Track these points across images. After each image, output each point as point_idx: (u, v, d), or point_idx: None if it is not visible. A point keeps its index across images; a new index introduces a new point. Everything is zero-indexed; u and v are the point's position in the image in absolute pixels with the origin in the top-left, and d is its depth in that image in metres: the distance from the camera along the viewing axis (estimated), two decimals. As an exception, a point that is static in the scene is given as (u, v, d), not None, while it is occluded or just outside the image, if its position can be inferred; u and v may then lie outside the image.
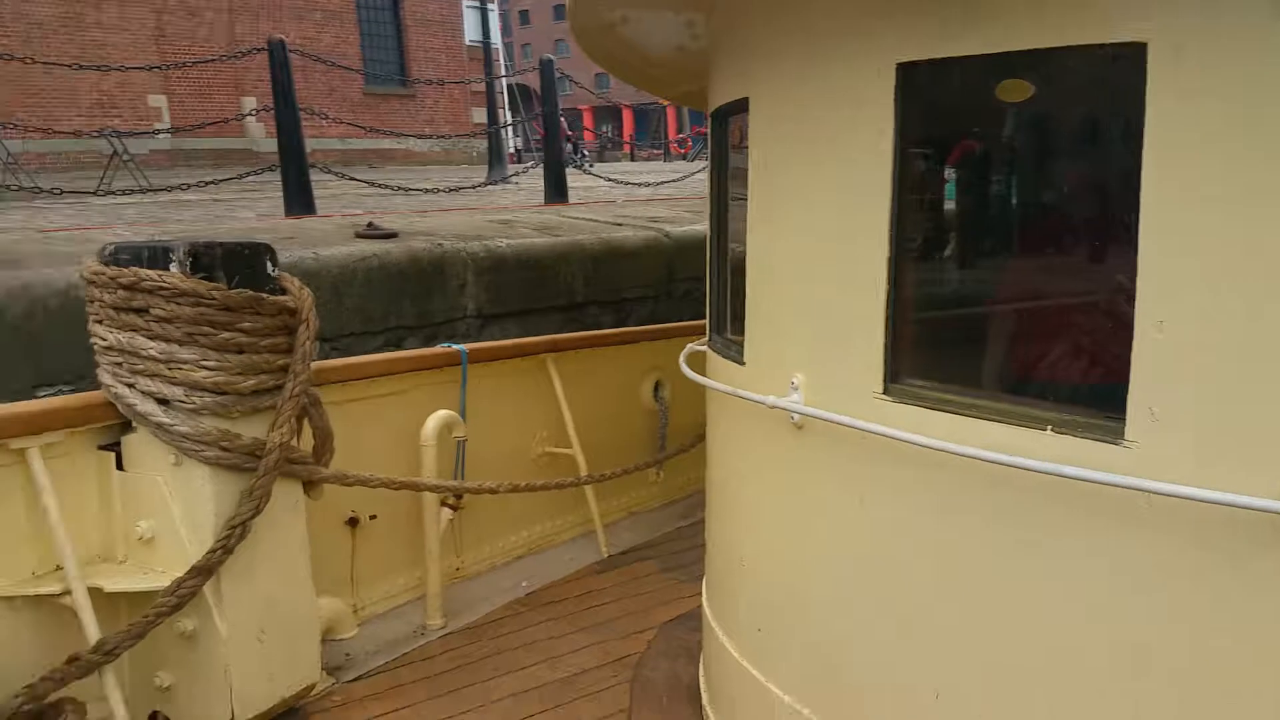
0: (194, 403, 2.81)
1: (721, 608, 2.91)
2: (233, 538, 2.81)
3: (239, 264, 2.91)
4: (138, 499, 2.91)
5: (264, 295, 2.91)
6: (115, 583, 2.80)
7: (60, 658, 2.65)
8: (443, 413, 3.98)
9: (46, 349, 4.01)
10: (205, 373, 2.80)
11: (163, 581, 2.78)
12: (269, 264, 3.03)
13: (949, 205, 2.19)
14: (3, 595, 2.68)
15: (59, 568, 2.77)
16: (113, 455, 2.94)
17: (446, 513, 4.07)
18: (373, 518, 3.95)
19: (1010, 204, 2.18)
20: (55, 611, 2.74)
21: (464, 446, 4.27)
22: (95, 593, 2.76)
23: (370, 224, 5.79)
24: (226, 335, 2.83)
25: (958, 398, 1.97)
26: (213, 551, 2.78)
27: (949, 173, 2.23)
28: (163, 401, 2.82)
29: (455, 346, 4.39)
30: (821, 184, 2.19)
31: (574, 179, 11.34)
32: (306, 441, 3.29)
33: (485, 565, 4.53)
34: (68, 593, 2.71)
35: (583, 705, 3.21)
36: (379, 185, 9.72)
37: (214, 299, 2.79)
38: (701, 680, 3.21)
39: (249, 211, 8.52)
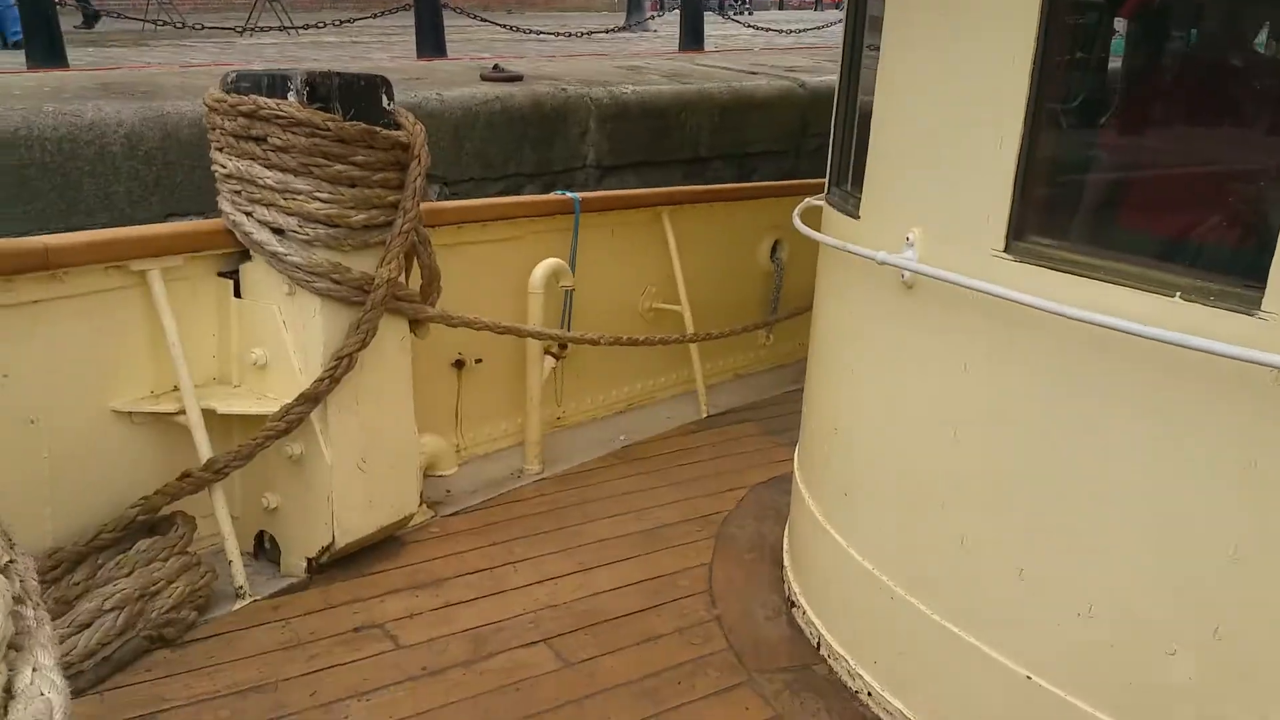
0: (307, 234, 2.83)
1: (810, 470, 2.85)
2: (339, 369, 2.87)
3: (355, 96, 2.86)
4: (253, 326, 2.99)
5: (378, 129, 2.86)
6: (228, 405, 2.92)
7: (174, 474, 2.81)
8: (551, 261, 3.93)
9: (179, 179, 4.13)
10: (318, 204, 2.81)
11: (273, 407, 2.88)
12: (384, 98, 2.97)
13: (1103, 56, 1.96)
14: (122, 411, 2.83)
15: (176, 388, 2.90)
16: (231, 283, 3.02)
17: (549, 361, 4.08)
18: (478, 361, 4.00)
19: (1178, 61, 1.93)
20: (171, 430, 2.88)
21: (571, 296, 4.24)
22: (209, 414, 2.89)
23: (495, 66, 5.66)
24: (340, 168, 2.81)
25: (1082, 258, 1.83)
26: (320, 380, 2.85)
27: (1118, 24, 2.00)
28: (278, 231, 2.85)
29: (569, 194, 4.30)
30: (962, 22, 2.00)
31: (714, 26, 10.84)
32: (415, 281, 3.32)
33: (585, 416, 4.57)
34: (183, 412, 2.85)
35: (665, 556, 3.25)
36: (513, 29, 9.50)
37: (329, 130, 2.76)
38: (785, 542, 3.19)
39: (383, 53, 8.48)
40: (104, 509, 2.75)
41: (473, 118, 4.98)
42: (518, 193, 5.20)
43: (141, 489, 2.79)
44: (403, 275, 3.15)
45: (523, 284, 3.86)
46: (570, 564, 3.17)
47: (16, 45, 7.26)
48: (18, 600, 1.05)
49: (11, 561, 1.10)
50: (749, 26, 11.67)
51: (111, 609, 2.46)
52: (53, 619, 2.40)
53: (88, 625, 2.41)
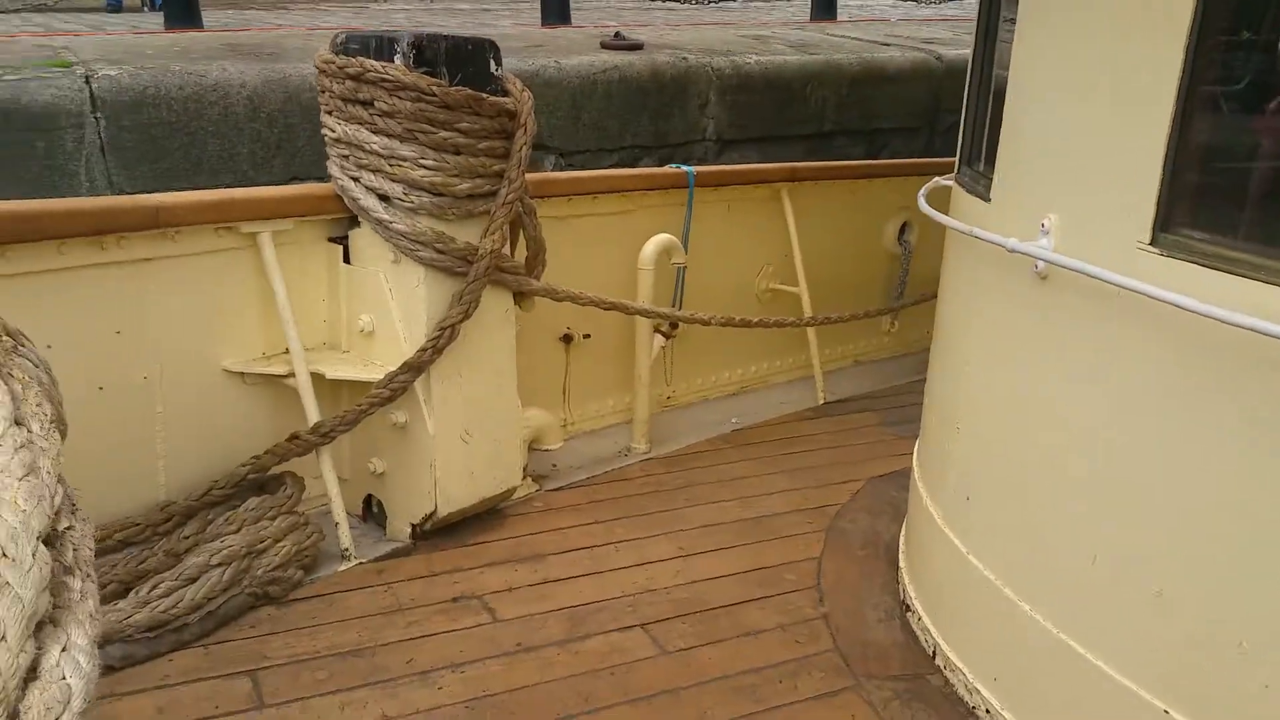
0: (411, 201, 2.80)
1: (930, 468, 2.67)
2: (442, 339, 2.84)
3: (462, 60, 2.81)
4: (361, 293, 3.00)
5: (484, 95, 2.81)
6: (336, 370, 2.93)
7: (284, 434, 2.83)
8: (663, 236, 3.82)
9: (300, 143, 4.20)
10: (423, 171, 2.77)
11: (378, 374, 2.87)
12: (492, 62, 2.91)
13: (1274, 35, 1.72)
14: (234, 371, 2.87)
15: (287, 351, 2.93)
16: (341, 248, 3.03)
17: (659, 340, 3.99)
18: (586, 337, 3.94)
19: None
20: (282, 391, 2.91)
21: (683, 274, 4.12)
22: (317, 378, 2.91)
23: (616, 34, 5.57)
24: (445, 135, 2.76)
25: (1238, 255, 1.63)
26: (423, 350, 2.83)
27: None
28: (384, 198, 2.84)
29: (684, 168, 4.18)
30: None
31: (847, -3, 10.47)
32: (521, 253, 3.27)
33: (695, 397, 4.46)
34: (292, 375, 2.87)
35: (772, 546, 3.11)
36: (639, -3, 9.38)
37: (434, 95, 2.72)
38: (901, 541, 3.01)
39: (510, 20, 8.51)
40: (215, 466, 2.80)
41: (590, 87, 4.91)
42: (634, 165, 5.10)
43: (252, 448, 2.83)
44: (507, 247, 3.10)
45: (633, 259, 3.77)
46: (672, 548, 3.07)
47: (158, 8, 7.63)
48: (67, 570, 1.00)
49: (69, 528, 1.06)
50: (885, -2, 11.25)
51: (218, 564, 2.50)
52: (162, 571, 2.46)
53: (194, 579, 2.45)
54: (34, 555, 0.89)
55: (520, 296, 3.20)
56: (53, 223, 2.38)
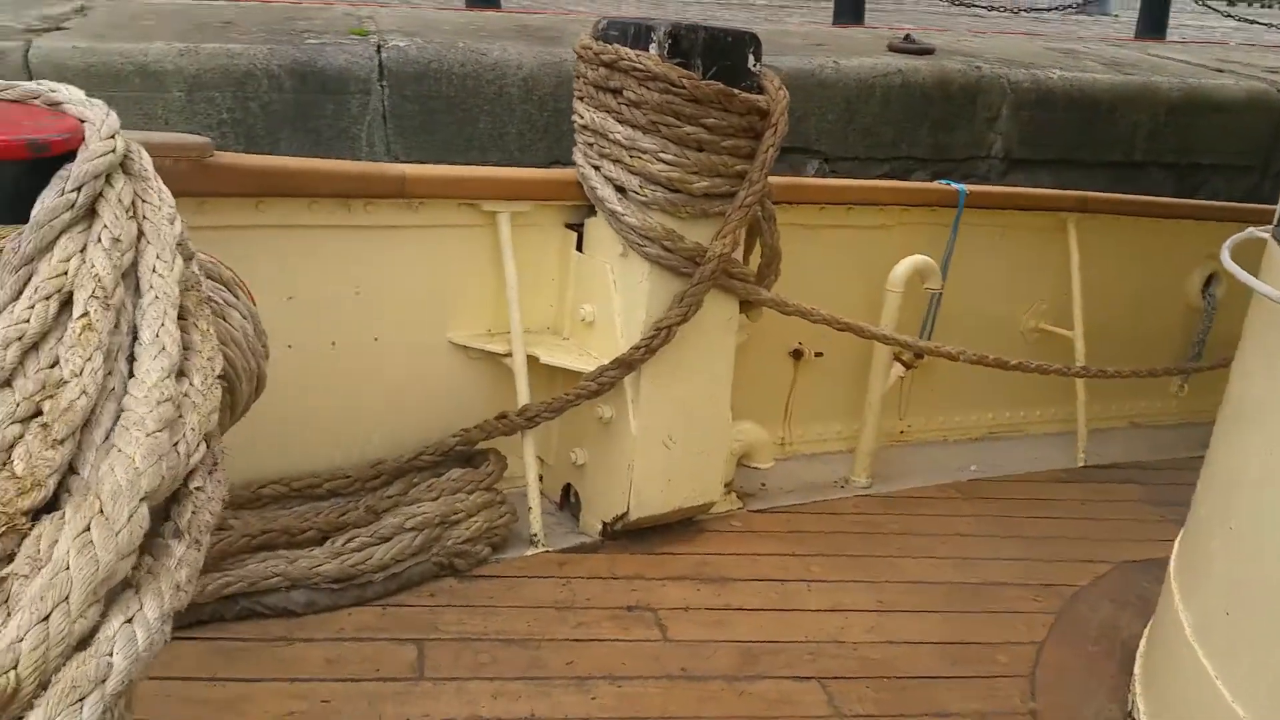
0: (646, 195, 2.72)
1: (1189, 566, 2.25)
2: (657, 339, 2.75)
3: (718, 53, 2.69)
4: (588, 282, 2.97)
5: (735, 91, 2.67)
6: (551, 357, 2.92)
7: (495, 412, 2.86)
8: (919, 258, 3.52)
9: (565, 127, 4.26)
10: (662, 166, 2.69)
11: (592, 365, 2.84)
12: (750, 57, 2.77)
13: None
14: (458, 344, 2.93)
15: (509, 331, 2.96)
16: (575, 236, 3.01)
17: (898, 369, 3.69)
18: (819, 355, 3.72)
19: None
20: (499, 370, 2.94)
21: (937, 300, 3.79)
22: (533, 361, 2.91)
23: (907, 37, 5.24)
24: (689, 129, 2.66)
25: None
26: (636, 348, 2.76)
27: None
28: (620, 189, 2.78)
29: (954, 185, 3.84)
30: None
31: (1190, 16, 9.35)
32: (756, 260, 3.11)
33: (932, 436, 4.11)
34: (509, 355, 2.89)
35: (987, 620, 2.77)
36: (953, 1, 8.85)
37: (682, 87, 2.62)
38: (1142, 643, 2.58)
39: (802, 18, 8.33)
40: (427, 432, 2.88)
41: (867, 91, 4.64)
42: (904, 178, 4.77)
43: (465, 420, 2.89)
44: (740, 251, 2.96)
45: (881, 279, 3.50)
46: (871, 599, 2.81)
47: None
48: (176, 533, 0.97)
49: (198, 489, 1.03)
50: (1234, 18, 9.94)
51: (412, 529, 2.56)
52: (359, 526, 2.55)
53: (387, 539, 2.52)
54: (129, 517, 0.86)
55: (747, 305, 3.05)
56: (306, 181, 2.52)
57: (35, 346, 0.96)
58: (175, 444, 0.98)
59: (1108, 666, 2.59)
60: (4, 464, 0.86)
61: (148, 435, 0.93)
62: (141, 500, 0.88)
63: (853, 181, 3.91)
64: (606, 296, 2.89)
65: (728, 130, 2.70)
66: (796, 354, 3.71)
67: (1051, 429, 4.26)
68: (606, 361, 2.79)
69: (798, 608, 2.72)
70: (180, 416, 1.01)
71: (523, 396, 2.88)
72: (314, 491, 2.65)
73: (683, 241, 2.75)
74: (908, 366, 3.73)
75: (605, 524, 2.95)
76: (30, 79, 1.37)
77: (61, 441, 0.89)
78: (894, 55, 4.91)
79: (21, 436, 0.88)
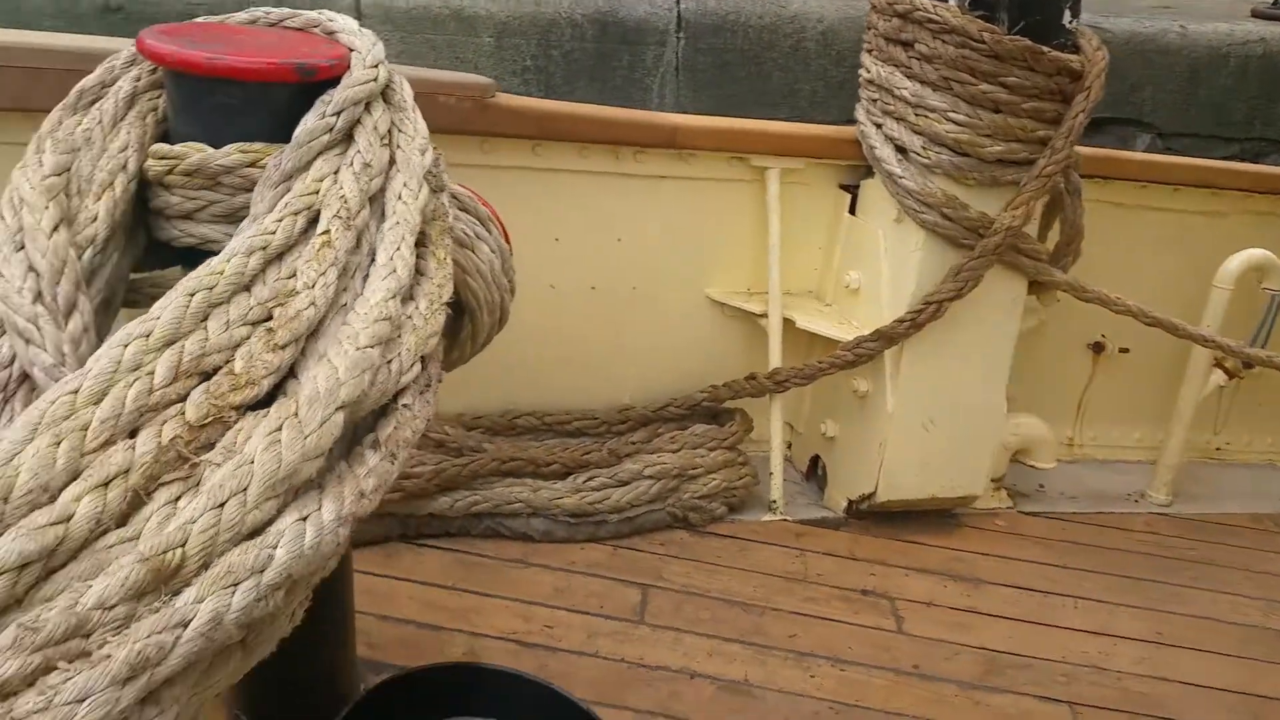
0: (929, 158, 2.53)
1: None
2: (923, 314, 2.56)
3: (1029, 7, 2.43)
4: (857, 247, 2.82)
5: (1044, 49, 2.40)
6: (808, 321, 2.80)
7: (746, 372, 2.81)
8: (1258, 253, 3.02)
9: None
10: (950, 126, 2.48)
11: (850, 335, 2.70)
12: (1067, 13, 2.48)
13: None
14: (716, 300, 2.89)
15: (768, 291, 2.88)
16: (849, 198, 2.87)
17: (1219, 376, 3.20)
18: (1124, 351, 3.32)
19: None
20: (755, 330, 2.87)
21: (1278, 304, 3.25)
22: (789, 325, 2.82)
23: (1276, 2, 4.50)
24: (985, 88, 2.43)
25: None
26: (900, 321, 2.58)
27: None
28: (901, 150, 2.60)
29: (1316, 170, 3.25)
30: None
31: None
32: (1055, 238, 2.81)
33: (1254, 458, 3.56)
34: (765, 316, 2.82)
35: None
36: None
37: (982, 42, 2.39)
38: None
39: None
40: (677, 385, 2.88)
41: (1219, 60, 4.04)
42: (1254, 162, 4.12)
43: (714, 377, 2.85)
44: (1034, 226, 2.67)
45: (1208, 273, 3.05)
46: (1148, 629, 2.48)
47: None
48: (373, 445, 1.00)
49: (405, 406, 1.05)
50: None
51: (649, 476, 2.58)
52: (601, 466, 2.60)
53: (625, 483, 2.55)
54: (322, 423, 0.89)
55: (1039, 287, 2.76)
56: (581, 126, 2.57)
57: (280, 257, 1.02)
58: (389, 361, 1.01)
59: None
60: (227, 361, 0.91)
61: (357, 349, 0.96)
62: (338, 409, 0.90)
63: (1184, 159, 3.41)
64: (875, 264, 2.73)
65: (1031, 91, 2.44)
66: (1097, 347, 3.34)
67: None
68: (867, 332, 2.64)
69: (1059, 624, 2.45)
70: (399, 336, 1.04)
71: (774, 359, 2.80)
72: (563, 428, 2.73)
73: (966, 210, 2.53)
74: (1231, 375, 3.23)
75: (851, 502, 2.81)
76: (359, 19, 1.47)
77: (283, 347, 0.93)
78: (1257, 22, 4.23)
79: (248, 338, 0.93)
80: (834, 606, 2.40)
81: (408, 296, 1.10)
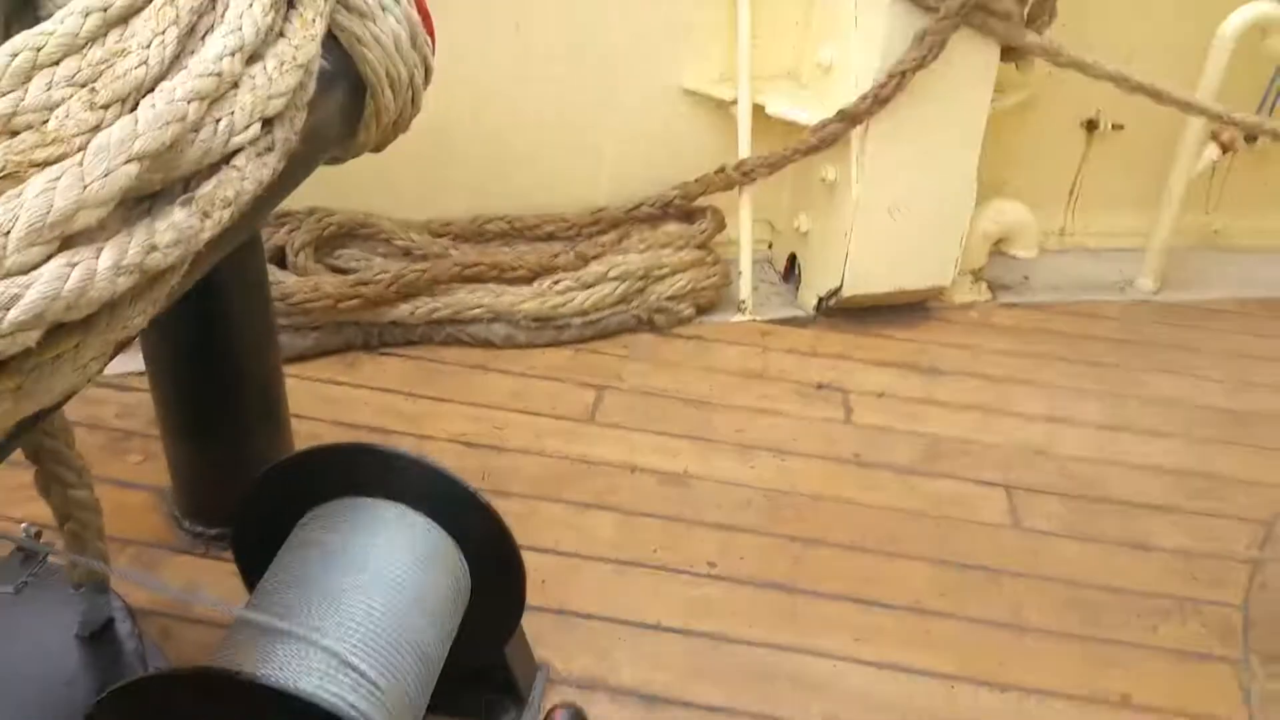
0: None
1: None
2: (888, 87, 2.46)
3: None
4: (830, 20, 2.66)
5: None
6: (778, 106, 2.71)
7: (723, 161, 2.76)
8: (1264, 6, 2.79)
9: None
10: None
11: (815, 119, 2.62)
12: None
13: None
14: (687, 89, 2.80)
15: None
16: (822, -31, 2.70)
17: (1213, 151, 3.05)
18: (1118, 128, 3.17)
19: None
20: (731, 121, 2.78)
21: (1287, 67, 3.05)
22: (759, 111, 2.73)
23: None
24: None
25: None
26: (863, 98, 2.49)
27: None
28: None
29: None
30: None
31: None
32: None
33: (1254, 241, 3.45)
34: (735, 103, 2.73)
35: (1240, 455, 2.38)
36: None
37: None
38: None
39: None
40: (654, 183, 2.84)
41: None
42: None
43: (691, 172, 2.81)
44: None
45: (1209, 30, 2.83)
46: (1103, 414, 2.51)
47: None
48: (182, 201, 0.94)
49: (237, 168, 1.02)
50: None
51: (615, 278, 2.61)
52: (569, 270, 2.63)
53: (590, 286, 2.59)
54: (107, 173, 0.80)
55: (1012, 53, 2.61)
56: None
57: (125, 21, 0.96)
58: (218, 120, 0.98)
59: None
60: (43, 121, 0.86)
61: (167, 103, 0.93)
62: (130, 160, 0.86)
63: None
64: (844, 36, 2.59)
65: None
66: (1090, 125, 3.19)
67: None
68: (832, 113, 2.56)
69: (1009, 411, 2.50)
70: (233, 94, 1.01)
71: (743, 149, 2.74)
72: (534, 232, 2.75)
73: (932, -26, 2.37)
74: (1226, 149, 3.07)
75: (820, 299, 2.83)
76: None
77: (105, 106, 0.89)
78: None
79: (70, 99, 0.88)
80: (786, 401, 2.47)
81: (254, 56, 1.07)
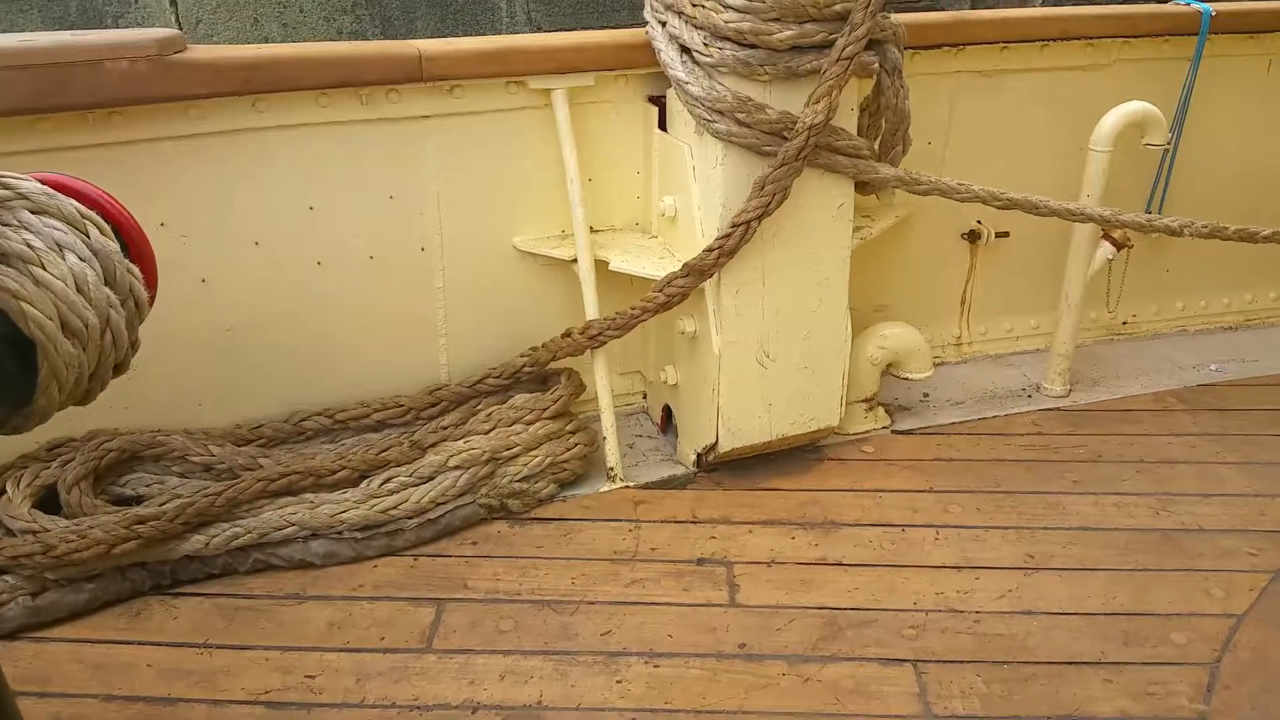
0: (712, 55, 2.17)
1: None
2: (732, 238, 2.24)
3: None
4: (670, 168, 2.48)
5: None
6: (622, 261, 2.47)
7: (574, 324, 2.51)
8: (1135, 106, 2.68)
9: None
10: (730, 14, 2.11)
11: (662, 272, 2.39)
12: None
13: None
14: (524, 250, 2.56)
15: (595, 229, 2.56)
16: (658, 111, 2.51)
17: (1106, 250, 2.90)
18: (1002, 235, 3.00)
19: None
20: (575, 275, 2.54)
21: (1169, 160, 2.94)
22: (603, 268, 2.49)
23: None
24: (761, -37, 2.06)
25: None
26: (709, 250, 2.27)
27: None
28: (685, 50, 2.25)
29: (1196, 4, 2.88)
30: None
31: None
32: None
33: (1164, 327, 3.31)
34: (577, 261, 2.50)
35: (1174, 583, 2.12)
36: None
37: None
38: None
39: None
40: (499, 351, 2.58)
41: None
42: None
43: (538, 336, 2.55)
44: (852, 119, 2.33)
45: (1083, 133, 2.71)
46: (1017, 553, 2.23)
47: None
48: None
49: None
50: None
51: (457, 467, 2.29)
52: (402, 463, 2.31)
53: (427, 479, 2.27)
54: None
55: (868, 185, 2.43)
56: (297, 70, 2.18)
57: None
58: None
59: None
60: None
61: None
62: None
63: (1044, 11, 3.04)
64: (686, 186, 2.39)
65: (812, -42, 2.07)
66: (972, 235, 3.03)
67: None
68: (678, 268, 2.33)
69: (914, 563, 2.20)
70: None
71: (590, 310, 2.49)
72: (361, 423, 2.45)
73: (763, 113, 2.18)
74: (1119, 245, 2.92)
75: (699, 454, 2.54)
76: None
77: None
78: None
79: None
80: (662, 586, 2.14)
81: None
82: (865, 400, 2.76)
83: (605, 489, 2.48)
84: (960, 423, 2.79)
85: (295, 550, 2.13)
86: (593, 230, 2.58)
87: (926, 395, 2.97)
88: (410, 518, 2.23)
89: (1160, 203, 3.05)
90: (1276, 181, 3.16)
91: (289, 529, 2.11)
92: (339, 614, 2.03)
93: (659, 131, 2.51)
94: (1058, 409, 2.87)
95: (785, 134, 2.19)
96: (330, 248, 2.38)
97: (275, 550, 2.12)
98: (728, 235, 2.24)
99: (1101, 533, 2.30)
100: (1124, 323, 3.29)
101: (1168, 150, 2.87)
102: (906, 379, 2.84)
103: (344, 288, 2.42)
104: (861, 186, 2.41)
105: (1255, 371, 3.04)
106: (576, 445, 2.47)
